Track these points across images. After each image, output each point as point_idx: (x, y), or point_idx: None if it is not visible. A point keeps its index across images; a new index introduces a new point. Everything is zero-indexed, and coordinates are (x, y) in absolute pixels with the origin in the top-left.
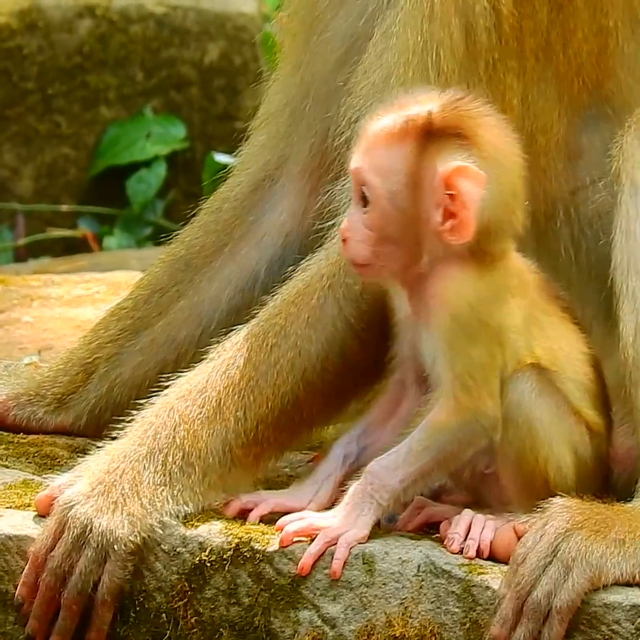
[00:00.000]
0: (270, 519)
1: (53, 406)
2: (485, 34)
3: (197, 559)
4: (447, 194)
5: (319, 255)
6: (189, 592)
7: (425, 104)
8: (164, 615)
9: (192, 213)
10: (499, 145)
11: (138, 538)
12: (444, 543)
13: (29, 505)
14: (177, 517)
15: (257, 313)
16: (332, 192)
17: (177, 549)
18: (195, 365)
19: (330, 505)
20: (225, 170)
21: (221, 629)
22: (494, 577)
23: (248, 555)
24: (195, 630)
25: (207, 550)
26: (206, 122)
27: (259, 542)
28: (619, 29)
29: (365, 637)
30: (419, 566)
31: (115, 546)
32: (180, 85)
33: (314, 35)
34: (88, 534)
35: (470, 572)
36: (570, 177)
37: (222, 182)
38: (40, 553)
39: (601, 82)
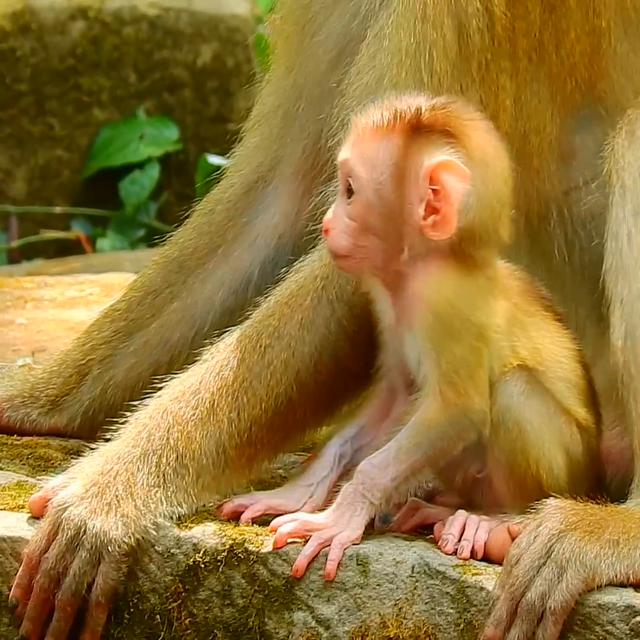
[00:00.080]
0: (263, 520)
1: (47, 408)
2: (478, 35)
3: (191, 560)
4: (431, 188)
5: (312, 256)
6: (183, 594)
7: (416, 102)
8: (158, 616)
9: (185, 215)
10: (487, 148)
11: (132, 539)
12: (438, 544)
13: (22, 507)
14: (171, 518)
15: (251, 314)
16: (325, 194)
17: (171, 551)
18: (189, 366)
19: (325, 506)
20: (218, 172)
21: (215, 630)
22: (488, 578)
23: (242, 557)
24: (189, 631)
25: (201, 552)
26: (199, 123)
27: (253, 543)
28: (611, 29)
29: (360, 638)
30: (413, 567)
31: (109, 548)
32: (173, 87)
33: (307, 37)
34: (82, 536)
35: (465, 573)
36: (563, 178)
37: (215, 184)
38: (34, 555)
39: (594, 82)
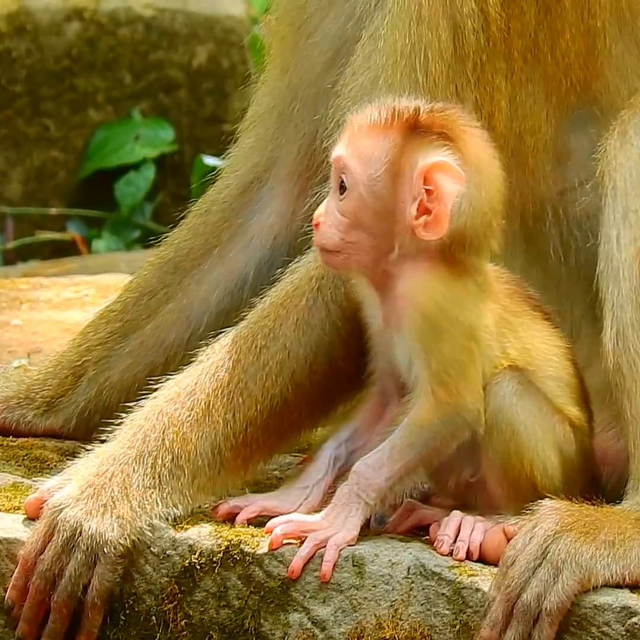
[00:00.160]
0: (259, 521)
1: (42, 409)
2: (473, 36)
3: (187, 561)
4: (425, 188)
5: (307, 257)
6: (179, 595)
7: (415, 102)
8: (153, 618)
9: (180, 216)
10: (482, 155)
11: (128, 541)
12: (434, 545)
13: (18, 509)
14: (167, 519)
15: (246, 315)
16: (320, 194)
17: (167, 552)
18: (184, 367)
19: (321, 508)
20: (213, 173)
21: (211, 632)
22: (483, 579)
23: (238, 558)
24: (185, 633)
25: (197, 553)
26: (194, 124)
27: (248, 544)
28: (606, 30)
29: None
30: (408, 568)
31: (105, 549)
32: (169, 88)
33: (302, 37)
34: (78, 537)
35: (460, 575)
36: (558, 179)
37: (211, 185)
38: (30, 556)
39: (589, 82)
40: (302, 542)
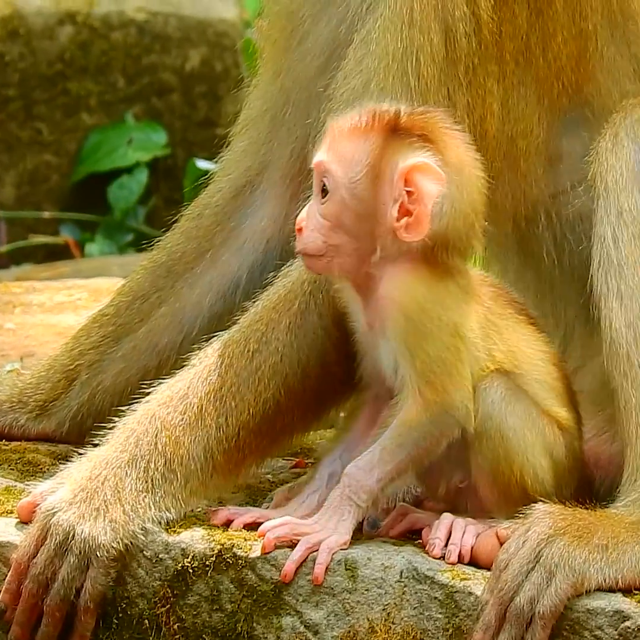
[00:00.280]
0: (252, 526)
1: (35, 413)
2: (465, 39)
3: (180, 565)
4: (405, 190)
5: (300, 261)
6: (172, 599)
7: (395, 106)
8: (146, 621)
9: (173, 219)
10: (463, 157)
11: (120, 544)
12: (426, 549)
13: (11, 512)
14: (160, 523)
15: (239, 319)
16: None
17: (160, 556)
18: (177, 371)
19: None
20: (206, 177)
21: (204, 636)
22: (476, 583)
23: (230, 562)
24: (177, 636)
25: (190, 557)
26: (187, 128)
27: (241, 548)
28: (598, 32)
29: None
30: (401, 572)
31: (97, 553)
32: (162, 92)
33: (294, 41)
34: (70, 541)
35: (453, 578)
36: (550, 181)
37: (204, 188)
38: (22, 560)
39: (581, 85)
40: (294, 546)
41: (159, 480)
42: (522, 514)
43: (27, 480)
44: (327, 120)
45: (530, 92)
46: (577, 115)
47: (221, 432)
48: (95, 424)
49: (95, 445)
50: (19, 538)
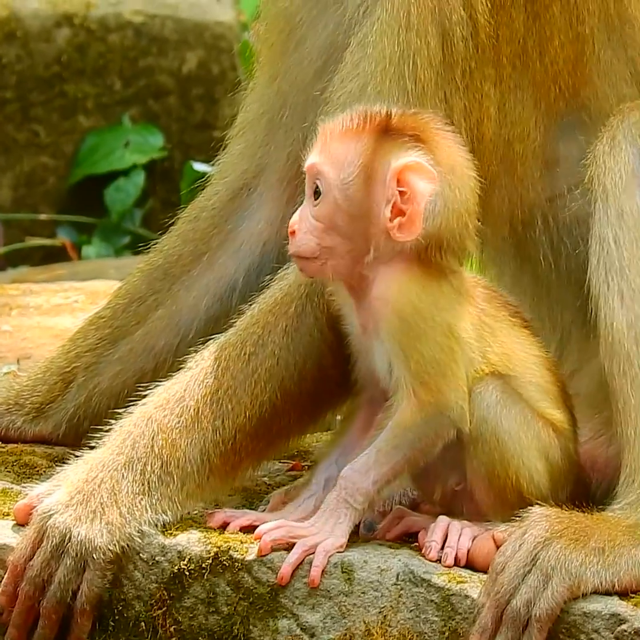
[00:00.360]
0: (248, 529)
1: (32, 415)
2: (462, 43)
3: (176, 567)
4: (398, 190)
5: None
6: (168, 601)
7: (387, 107)
8: (142, 624)
9: (170, 222)
10: (455, 156)
11: (117, 547)
12: (422, 551)
13: (7, 515)
14: (156, 525)
15: (235, 322)
16: None
17: (156, 558)
18: (174, 374)
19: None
20: (203, 179)
21: (200, 638)
22: (473, 586)
23: (227, 564)
24: (174, 638)
25: (186, 559)
26: (184, 130)
27: (237, 550)
28: (595, 36)
29: None
30: (398, 575)
31: (94, 555)
32: (159, 94)
33: (291, 45)
34: (67, 543)
35: (449, 581)
36: (547, 185)
37: (200, 191)
38: (19, 562)
39: (578, 89)
40: (291, 548)
41: (155, 482)
42: (519, 517)
43: (24, 483)
44: (320, 123)
45: (527, 95)
46: (574, 118)
47: (218, 434)
48: (91, 427)
49: (92, 448)
50: (15, 540)
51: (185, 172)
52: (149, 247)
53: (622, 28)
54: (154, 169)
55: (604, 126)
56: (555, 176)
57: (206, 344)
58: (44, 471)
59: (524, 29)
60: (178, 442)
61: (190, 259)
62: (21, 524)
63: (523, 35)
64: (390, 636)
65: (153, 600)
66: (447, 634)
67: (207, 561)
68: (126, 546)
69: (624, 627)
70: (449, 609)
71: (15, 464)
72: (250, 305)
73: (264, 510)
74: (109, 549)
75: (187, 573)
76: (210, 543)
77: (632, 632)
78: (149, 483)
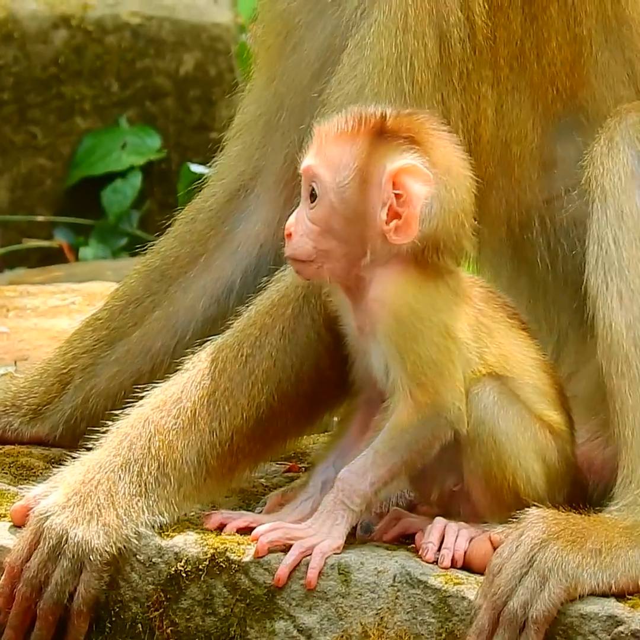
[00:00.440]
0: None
1: (29, 417)
2: (459, 45)
3: (173, 569)
4: (394, 192)
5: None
6: (165, 603)
7: (381, 109)
8: (139, 625)
9: (167, 223)
10: (451, 157)
11: (114, 548)
12: (419, 553)
13: (4, 516)
14: (153, 527)
15: (232, 323)
16: None
17: (153, 560)
18: (171, 375)
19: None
20: (200, 181)
21: (197, 639)
22: (470, 587)
23: (224, 566)
24: None
25: (183, 561)
26: (181, 132)
27: (234, 552)
28: (592, 38)
29: None
30: (394, 576)
31: (91, 557)
32: (156, 96)
33: (289, 47)
34: (64, 545)
35: (446, 583)
36: (544, 187)
37: (198, 193)
38: (16, 563)
39: (575, 91)
40: (287, 550)
41: (152, 484)
42: (515, 518)
43: (21, 484)
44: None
45: (525, 97)
46: (571, 120)
47: (214, 436)
48: (88, 428)
49: (89, 449)
50: (12, 542)
51: (182, 173)
52: (146, 249)
53: (620, 29)
54: (151, 171)
55: (601, 128)
56: (553, 178)
57: (203, 345)
58: (41, 473)
59: (521, 31)
60: (175, 443)
61: (187, 260)
62: (18, 525)
63: (520, 37)
64: (387, 638)
65: (150, 602)
66: (443, 635)
67: (204, 563)
68: (123, 548)
69: (620, 628)
70: (446, 611)
71: (12, 465)
72: (247, 306)
73: (260, 511)
74: (105, 551)
75: (184, 574)
76: (207, 544)
77: (629, 634)
78: (145, 485)
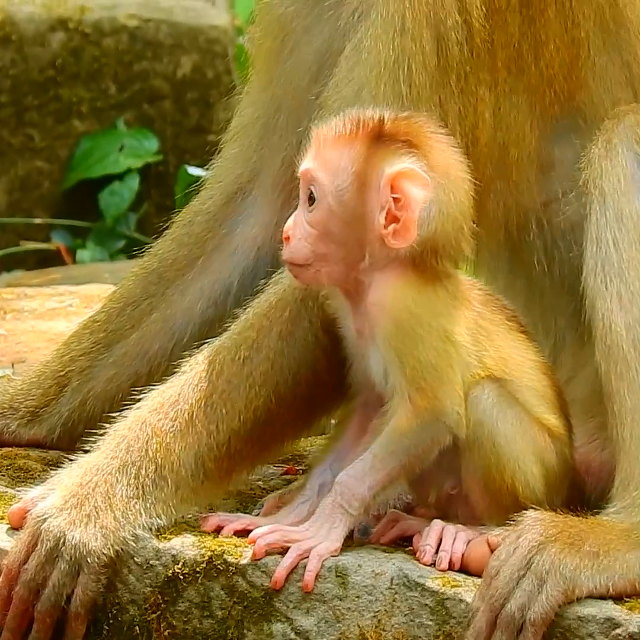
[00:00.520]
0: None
1: (26, 419)
2: (457, 47)
3: (170, 571)
4: (392, 196)
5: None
6: (162, 605)
7: (379, 112)
8: (137, 627)
9: (164, 226)
10: (449, 160)
11: (111, 551)
12: (417, 555)
13: (2, 518)
14: (150, 529)
15: (230, 326)
16: None
17: (150, 562)
18: (168, 378)
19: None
20: (198, 183)
21: None
22: (467, 590)
23: (221, 568)
24: None
25: (180, 563)
26: (179, 135)
27: (231, 554)
28: (590, 40)
29: None
30: (392, 579)
31: (88, 559)
32: (153, 98)
33: (286, 49)
34: (61, 547)
35: (444, 585)
36: (542, 190)
37: (195, 195)
38: (13, 566)
39: (573, 93)
40: (285, 553)
41: (149, 486)
42: (513, 521)
43: (18, 487)
44: (314, 128)
45: (522, 100)
46: (569, 123)
47: (212, 439)
48: (86, 430)
49: (86, 452)
50: (9, 544)
51: (179, 176)
52: (144, 251)
53: (617, 32)
54: (148, 173)
55: (599, 130)
56: (551, 180)
57: (201, 348)
58: (39, 475)
59: (519, 33)
60: (172, 446)
61: (184, 262)
62: (15, 527)
63: (518, 40)
64: None
65: (147, 604)
66: (441, 638)
67: (202, 565)
68: (120, 550)
69: (618, 631)
70: (444, 613)
71: (9, 467)
72: (245, 309)
73: (258, 514)
74: (103, 553)
75: (182, 577)
76: (204, 547)
77: (627, 637)
78: (143, 487)
